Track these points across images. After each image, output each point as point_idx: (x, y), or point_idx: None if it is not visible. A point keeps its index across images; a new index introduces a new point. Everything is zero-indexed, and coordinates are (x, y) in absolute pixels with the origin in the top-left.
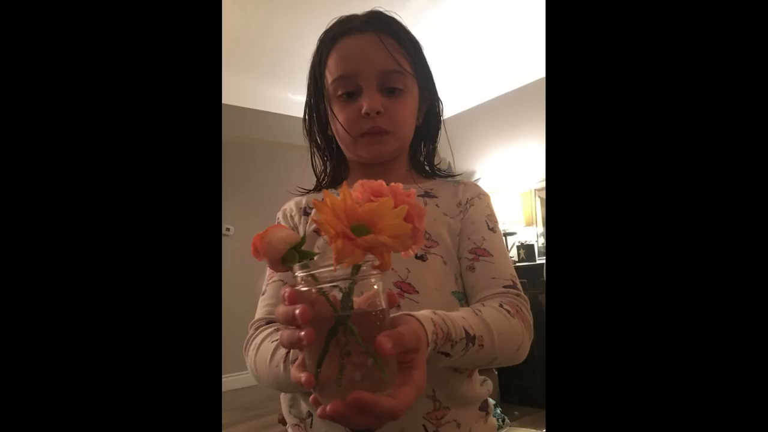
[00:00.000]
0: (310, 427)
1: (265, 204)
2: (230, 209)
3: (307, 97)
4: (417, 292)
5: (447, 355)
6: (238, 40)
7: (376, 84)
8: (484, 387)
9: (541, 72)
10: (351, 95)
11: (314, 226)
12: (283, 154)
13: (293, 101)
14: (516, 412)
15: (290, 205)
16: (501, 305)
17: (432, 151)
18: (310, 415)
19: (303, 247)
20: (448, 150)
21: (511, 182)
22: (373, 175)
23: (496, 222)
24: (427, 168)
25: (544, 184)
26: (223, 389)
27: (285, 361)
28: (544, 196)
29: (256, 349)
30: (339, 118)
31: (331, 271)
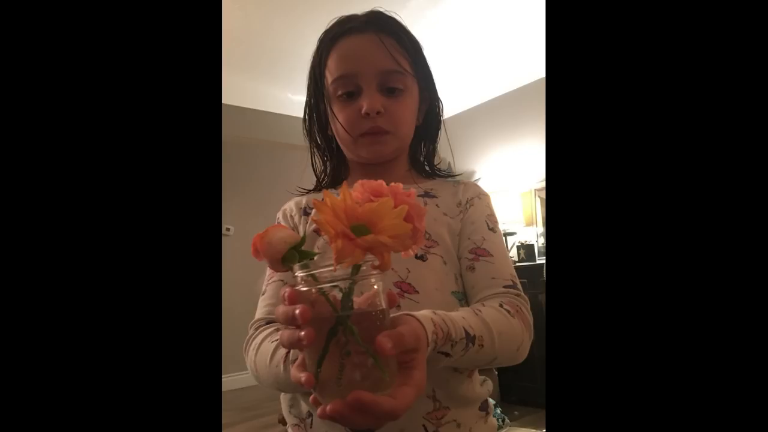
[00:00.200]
0: (310, 427)
1: (265, 204)
2: (230, 209)
3: (307, 97)
4: (417, 292)
5: (447, 355)
6: (238, 40)
7: (376, 84)
8: (484, 387)
9: (541, 72)
10: (351, 95)
11: (314, 226)
12: (283, 154)
13: (293, 101)
14: (516, 412)
15: (290, 205)
16: (501, 305)
17: (432, 151)
18: (310, 415)
19: (303, 247)
20: (448, 150)
21: (511, 182)
22: (373, 175)
23: (496, 222)
24: (427, 168)
25: (544, 184)
26: (223, 389)
27: (285, 361)
28: (544, 196)
29: (256, 349)
30: (339, 118)
31: (331, 271)
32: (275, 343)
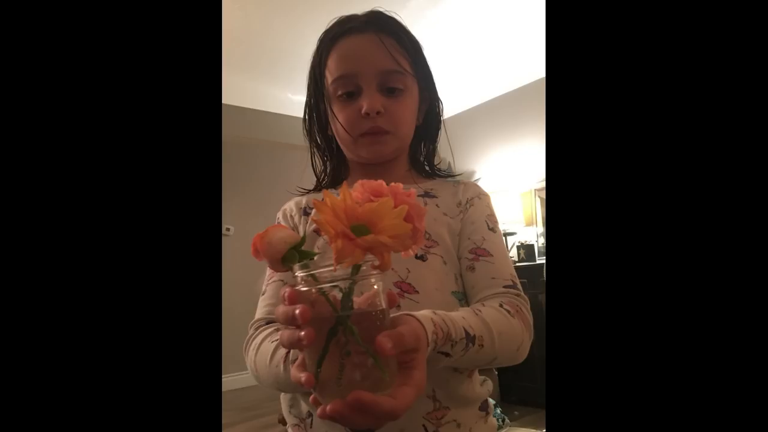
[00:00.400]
0: (310, 427)
1: (265, 204)
2: (230, 209)
3: (307, 97)
4: (417, 292)
5: (447, 355)
6: (238, 40)
7: (376, 84)
8: (484, 387)
9: (541, 72)
10: (351, 95)
11: (314, 226)
12: (283, 154)
13: (293, 101)
14: (516, 412)
15: (290, 205)
16: (501, 305)
17: (432, 151)
18: (310, 415)
19: (303, 247)
20: (448, 150)
21: (511, 182)
22: (373, 175)
23: (496, 222)
24: (427, 168)
25: (544, 184)
26: (223, 389)
27: (285, 361)
28: (544, 196)
29: (256, 349)
30: (339, 118)
31: (331, 271)
32: (275, 343)
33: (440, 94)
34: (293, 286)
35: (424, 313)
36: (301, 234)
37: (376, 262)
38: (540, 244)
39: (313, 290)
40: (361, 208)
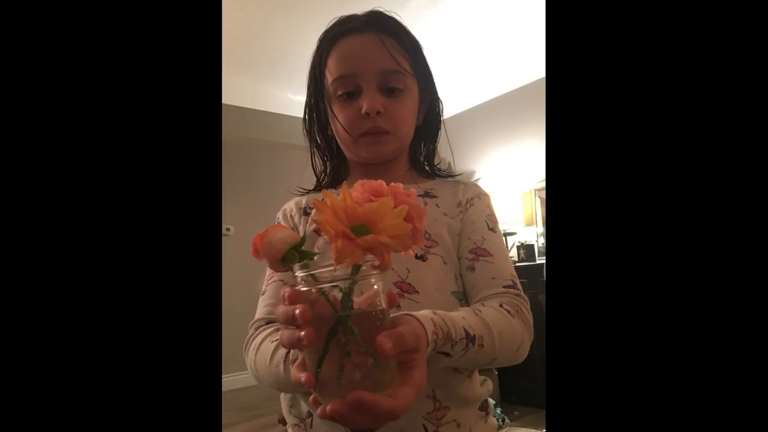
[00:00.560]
0: (310, 427)
1: (265, 204)
2: (230, 209)
3: (307, 97)
4: (417, 292)
5: (447, 355)
6: (238, 40)
7: (376, 84)
8: (484, 387)
9: (541, 72)
10: (351, 95)
11: (314, 226)
12: (283, 154)
13: (293, 101)
14: (516, 412)
15: (290, 205)
16: (501, 305)
17: (432, 151)
18: (310, 415)
19: (303, 247)
20: (448, 150)
21: (511, 182)
22: (373, 175)
23: (496, 222)
24: (427, 168)
25: (544, 184)
26: (223, 389)
27: (285, 361)
28: (544, 196)
29: (256, 349)
30: (339, 118)
31: (331, 271)
32: (275, 343)
33: (440, 94)
34: (293, 286)
35: (424, 313)
36: (301, 234)
37: (376, 262)
38: (540, 244)
39: (313, 290)
40: (361, 208)
